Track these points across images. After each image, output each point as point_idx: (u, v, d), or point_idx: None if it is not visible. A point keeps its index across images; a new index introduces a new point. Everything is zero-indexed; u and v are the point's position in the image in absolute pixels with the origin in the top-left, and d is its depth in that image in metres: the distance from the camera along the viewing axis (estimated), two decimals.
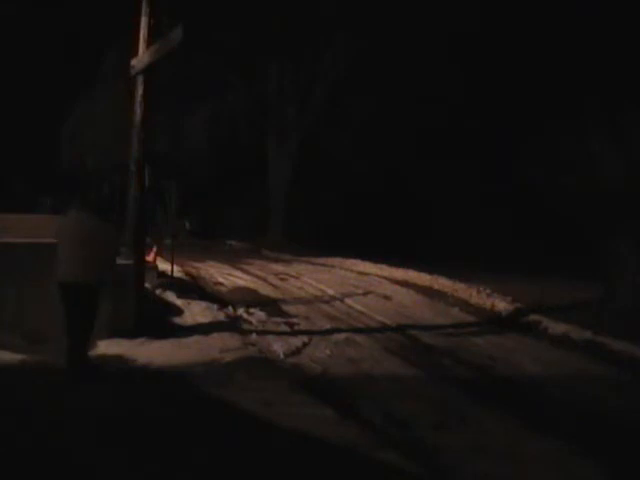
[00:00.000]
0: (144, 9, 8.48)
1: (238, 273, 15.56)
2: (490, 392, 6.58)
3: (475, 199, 22.63)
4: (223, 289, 13.00)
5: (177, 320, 9.05)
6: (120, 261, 7.20)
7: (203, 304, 10.08)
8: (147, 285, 9.49)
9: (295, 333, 8.93)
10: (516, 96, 20.38)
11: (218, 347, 7.49)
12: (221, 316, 9.54)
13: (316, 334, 8.79)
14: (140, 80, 8.46)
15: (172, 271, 12.69)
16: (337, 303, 11.61)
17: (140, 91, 8.45)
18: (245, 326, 9.28)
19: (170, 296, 10.34)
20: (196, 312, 9.50)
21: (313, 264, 18.51)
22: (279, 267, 17.33)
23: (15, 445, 4.57)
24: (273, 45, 23.28)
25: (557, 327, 9.44)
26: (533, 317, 10.15)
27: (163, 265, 12.99)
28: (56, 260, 6.26)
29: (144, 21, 8.49)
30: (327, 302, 11.68)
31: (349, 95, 23.10)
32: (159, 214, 17.58)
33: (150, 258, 11.82)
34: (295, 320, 9.86)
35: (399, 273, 15.38)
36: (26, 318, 7.35)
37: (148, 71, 8.37)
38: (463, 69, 20.83)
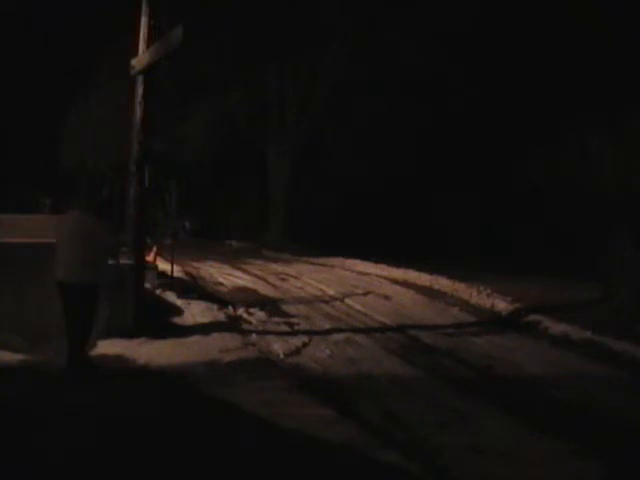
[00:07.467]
0: (144, 9, 8.49)
1: (238, 273, 15.57)
2: (490, 392, 6.57)
3: (475, 200, 22.64)
4: (223, 289, 13.01)
5: (177, 320, 9.05)
6: (120, 261, 7.20)
7: (203, 304, 10.08)
8: (147, 285, 9.50)
9: (295, 333, 8.93)
10: (516, 97, 20.38)
11: (218, 347, 7.49)
12: (221, 316, 9.54)
13: (316, 334, 8.79)
14: (140, 80, 8.47)
15: (172, 271, 12.67)
16: (337, 303, 11.60)
17: (140, 91, 8.46)
18: (245, 326, 9.29)
19: (170, 296, 10.35)
20: (196, 312, 9.50)
21: (313, 264, 18.51)
22: (279, 267, 17.34)
23: (15, 445, 4.57)
24: (273, 45, 23.25)
25: (557, 327, 9.43)
26: (533, 317, 10.13)
27: (163, 265, 12.98)
28: (55, 260, 6.26)
29: (144, 21, 8.50)
30: (327, 302, 11.68)
31: (349, 95, 23.08)
32: (159, 214, 17.55)
33: (150, 258, 11.81)
34: (295, 320, 9.86)
35: (399, 273, 15.37)
36: (26, 318, 7.35)
37: (148, 71, 8.37)
38: (463, 70, 20.82)
